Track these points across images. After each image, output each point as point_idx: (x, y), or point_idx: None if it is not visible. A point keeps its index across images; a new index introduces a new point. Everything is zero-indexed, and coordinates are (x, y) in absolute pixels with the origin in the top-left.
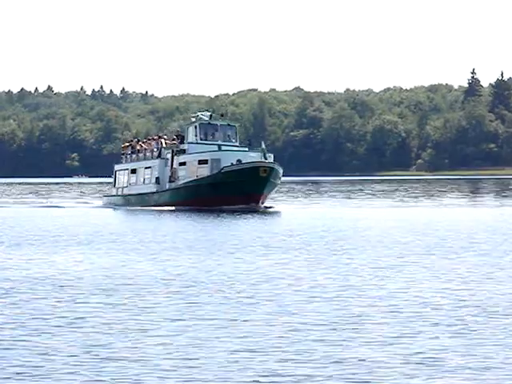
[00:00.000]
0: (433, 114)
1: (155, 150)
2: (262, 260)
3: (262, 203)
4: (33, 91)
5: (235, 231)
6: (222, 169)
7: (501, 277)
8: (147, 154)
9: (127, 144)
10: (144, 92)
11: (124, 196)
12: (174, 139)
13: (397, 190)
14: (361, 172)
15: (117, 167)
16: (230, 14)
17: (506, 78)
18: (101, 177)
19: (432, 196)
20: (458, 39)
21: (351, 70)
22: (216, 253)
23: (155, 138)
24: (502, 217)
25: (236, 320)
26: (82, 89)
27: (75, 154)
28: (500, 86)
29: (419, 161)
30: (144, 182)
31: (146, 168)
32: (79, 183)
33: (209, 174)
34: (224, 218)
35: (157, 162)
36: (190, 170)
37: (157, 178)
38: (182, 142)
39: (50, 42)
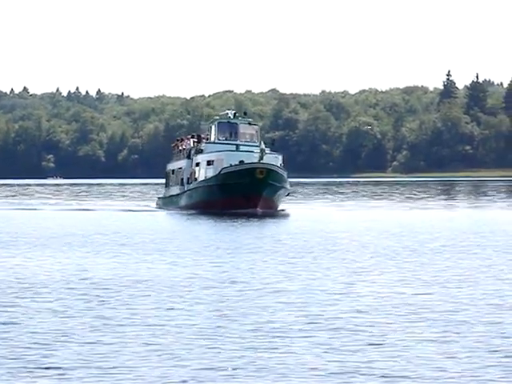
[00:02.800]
0: (408, 116)
1: (187, 150)
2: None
3: (271, 207)
4: (8, 92)
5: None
6: (221, 170)
7: (469, 280)
8: (184, 154)
9: (174, 143)
10: (120, 93)
11: (164, 198)
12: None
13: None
14: (337, 174)
15: (167, 168)
16: (206, 16)
17: (481, 79)
18: (76, 178)
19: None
20: (433, 41)
21: (327, 71)
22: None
23: (189, 137)
24: (468, 219)
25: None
26: (57, 90)
27: (51, 156)
28: (475, 88)
29: (395, 163)
30: (177, 183)
31: (179, 169)
32: (120, 184)
33: (213, 175)
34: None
35: (184, 162)
36: (201, 171)
37: (181, 180)
38: (199, 142)
39: (26, 43)
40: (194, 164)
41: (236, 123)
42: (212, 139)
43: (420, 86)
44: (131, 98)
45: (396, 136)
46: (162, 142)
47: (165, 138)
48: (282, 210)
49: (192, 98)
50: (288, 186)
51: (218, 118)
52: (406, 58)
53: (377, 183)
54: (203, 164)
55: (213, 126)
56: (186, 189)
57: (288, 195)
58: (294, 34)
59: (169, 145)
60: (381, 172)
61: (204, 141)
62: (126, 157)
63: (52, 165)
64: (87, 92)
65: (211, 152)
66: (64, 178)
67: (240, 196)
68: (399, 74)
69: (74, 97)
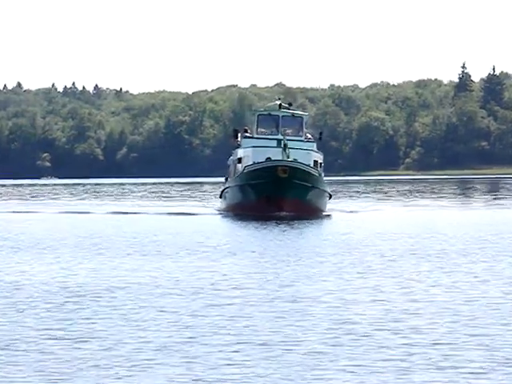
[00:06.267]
0: (421, 111)
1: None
2: None
3: (304, 210)
4: (1, 88)
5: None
6: (244, 169)
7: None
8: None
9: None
10: (118, 89)
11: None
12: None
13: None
14: (346, 172)
15: None
16: (208, 8)
17: (497, 72)
18: (72, 178)
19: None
20: (447, 32)
21: (336, 64)
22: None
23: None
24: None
25: None
26: (53, 85)
27: (46, 154)
28: (492, 80)
29: (407, 159)
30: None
31: (228, 166)
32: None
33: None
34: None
35: (231, 158)
36: (233, 168)
37: (225, 179)
38: (235, 136)
39: (20, 37)
40: (231, 161)
41: (277, 115)
42: (252, 133)
43: (434, 78)
44: (130, 94)
45: (409, 132)
46: (162, 140)
47: (165, 135)
48: (322, 212)
49: (194, 92)
50: (326, 188)
51: (261, 109)
52: (419, 50)
53: (393, 181)
54: (235, 161)
55: (254, 119)
56: (222, 189)
57: (330, 198)
58: (301, 25)
59: (169, 142)
60: (393, 169)
61: (240, 135)
62: (125, 155)
63: (48, 164)
64: (84, 87)
65: (244, 148)
66: (59, 178)
67: (262, 198)
68: (412, 67)
69: (71, 92)
